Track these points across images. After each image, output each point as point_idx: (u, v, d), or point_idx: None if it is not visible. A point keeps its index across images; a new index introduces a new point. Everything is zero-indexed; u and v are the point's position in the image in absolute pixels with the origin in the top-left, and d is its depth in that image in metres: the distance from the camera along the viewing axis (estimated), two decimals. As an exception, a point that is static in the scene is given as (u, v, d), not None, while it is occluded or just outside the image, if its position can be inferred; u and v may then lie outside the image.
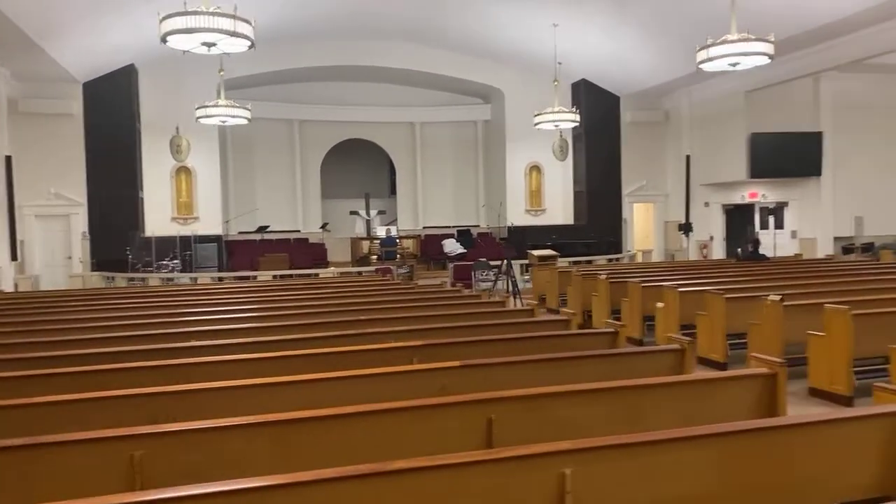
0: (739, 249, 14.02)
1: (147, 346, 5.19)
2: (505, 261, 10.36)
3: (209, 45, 8.78)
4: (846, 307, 5.82)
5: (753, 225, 17.93)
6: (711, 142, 18.16)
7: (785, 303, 6.51)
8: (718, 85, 17.36)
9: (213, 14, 8.39)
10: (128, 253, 15.25)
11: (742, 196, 17.89)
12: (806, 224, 17.32)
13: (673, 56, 15.50)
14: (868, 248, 16.72)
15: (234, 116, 14.22)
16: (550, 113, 15.98)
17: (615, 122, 19.67)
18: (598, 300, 9.75)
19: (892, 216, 17.28)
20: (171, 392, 3.66)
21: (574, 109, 16.39)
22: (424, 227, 21.09)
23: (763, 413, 3.73)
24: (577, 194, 20.03)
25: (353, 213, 19.85)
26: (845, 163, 17.01)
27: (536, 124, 16.24)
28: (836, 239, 17.13)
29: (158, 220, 16.94)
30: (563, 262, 15.81)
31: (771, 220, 17.83)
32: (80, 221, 16.17)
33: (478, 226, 21.22)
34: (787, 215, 17.57)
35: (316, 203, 20.62)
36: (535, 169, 20.39)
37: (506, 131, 19.97)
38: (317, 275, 14.15)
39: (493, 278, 11.53)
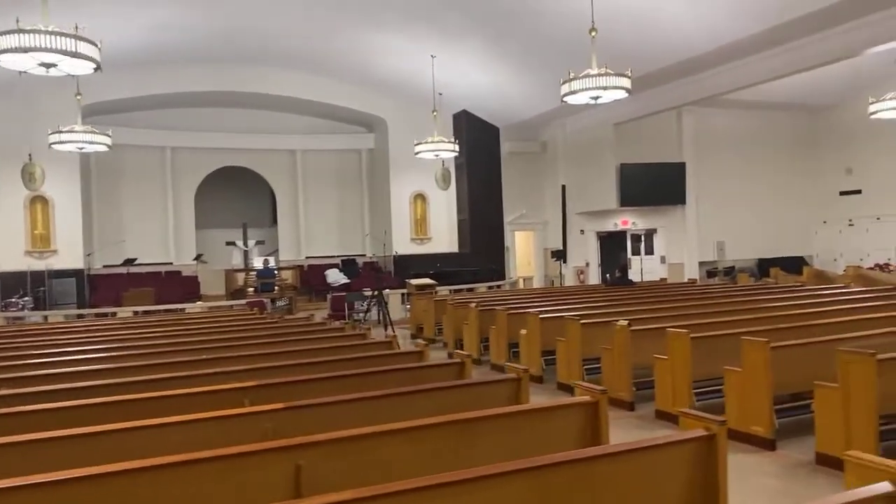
0: (608, 275, 14.54)
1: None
2: (376, 291, 10.15)
3: (48, 65, 8.18)
4: (685, 331, 6.03)
5: (626, 251, 18.72)
6: (585, 172, 18.89)
7: (633, 327, 6.69)
8: (590, 117, 18.14)
9: (50, 33, 7.82)
10: (-31, 291, 13.90)
11: (615, 224, 18.67)
12: (673, 249, 18.26)
13: (545, 89, 16.02)
14: (729, 271, 17.83)
15: (92, 143, 13.35)
16: (430, 143, 16.09)
17: (495, 152, 20.09)
18: (468, 329, 9.74)
19: (751, 241, 18.58)
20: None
21: (453, 140, 16.58)
22: (308, 258, 20.62)
23: (587, 441, 3.72)
24: (460, 222, 20.23)
25: (230, 243, 19.11)
26: (707, 192, 18.15)
27: (417, 153, 16.31)
28: (701, 263, 18.18)
29: (9, 253, 15.55)
30: (444, 291, 15.85)
31: (642, 246, 18.68)
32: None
33: (364, 255, 20.97)
34: (657, 241, 18.48)
35: (190, 234, 19.68)
36: (420, 197, 20.45)
37: (389, 160, 19.95)
38: (183, 310, 13.39)
39: (366, 309, 11.32)
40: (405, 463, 3.29)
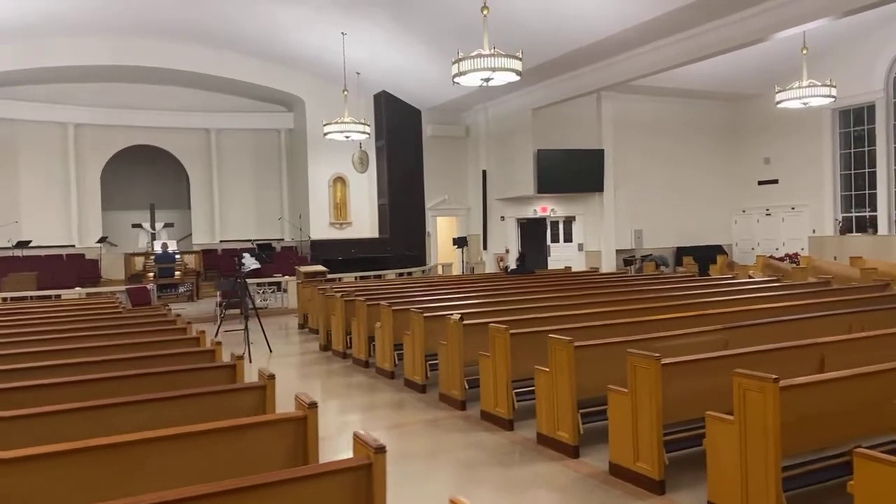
0: (507, 265, 14.19)
1: None
2: (238, 278, 9.56)
3: None
4: (505, 327, 5.64)
5: (546, 238, 18.40)
6: (505, 157, 18.49)
7: (466, 321, 6.29)
8: (510, 102, 17.73)
9: None
10: None
11: (534, 210, 18.33)
12: (592, 237, 18.00)
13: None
14: (645, 259, 17.63)
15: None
16: (340, 123, 15.48)
17: (417, 135, 19.53)
18: (335, 320, 9.27)
19: (669, 229, 18.41)
20: None
21: (364, 121, 15.98)
22: (222, 241, 19.89)
23: (297, 460, 3.29)
24: (380, 207, 19.69)
25: (136, 225, 18.27)
26: (626, 179, 17.89)
27: (326, 134, 15.69)
28: (619, 251, 17.96)
29: None
30: (349, 277, 15.38)
31: (561, 233, 18.39)
32: None
33: (282, 239, 20.34)
34: (575, 229, 18.19)
35: (96, 215, 18.76)
36: (340, 181, 19.87)
37: (307, 141, 19.28)
38: (59, 296, 12.65)
39: (225, 300, 10.76)
40: (43, 495, 2.81)
